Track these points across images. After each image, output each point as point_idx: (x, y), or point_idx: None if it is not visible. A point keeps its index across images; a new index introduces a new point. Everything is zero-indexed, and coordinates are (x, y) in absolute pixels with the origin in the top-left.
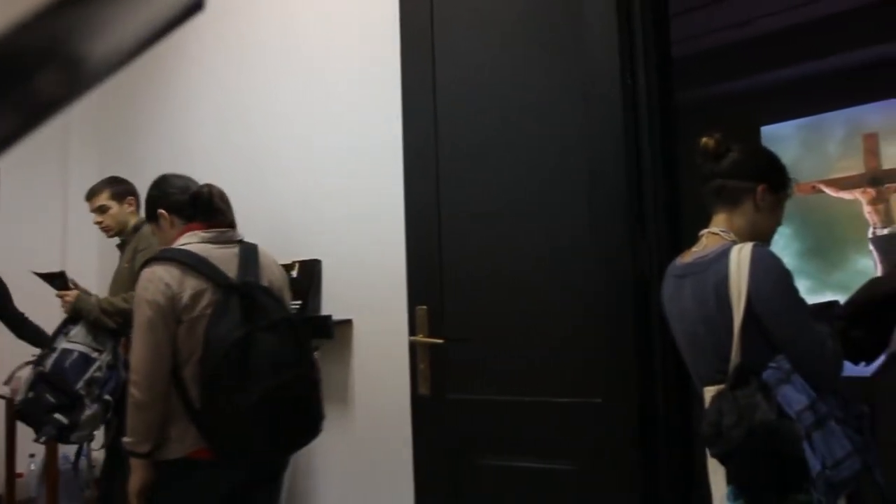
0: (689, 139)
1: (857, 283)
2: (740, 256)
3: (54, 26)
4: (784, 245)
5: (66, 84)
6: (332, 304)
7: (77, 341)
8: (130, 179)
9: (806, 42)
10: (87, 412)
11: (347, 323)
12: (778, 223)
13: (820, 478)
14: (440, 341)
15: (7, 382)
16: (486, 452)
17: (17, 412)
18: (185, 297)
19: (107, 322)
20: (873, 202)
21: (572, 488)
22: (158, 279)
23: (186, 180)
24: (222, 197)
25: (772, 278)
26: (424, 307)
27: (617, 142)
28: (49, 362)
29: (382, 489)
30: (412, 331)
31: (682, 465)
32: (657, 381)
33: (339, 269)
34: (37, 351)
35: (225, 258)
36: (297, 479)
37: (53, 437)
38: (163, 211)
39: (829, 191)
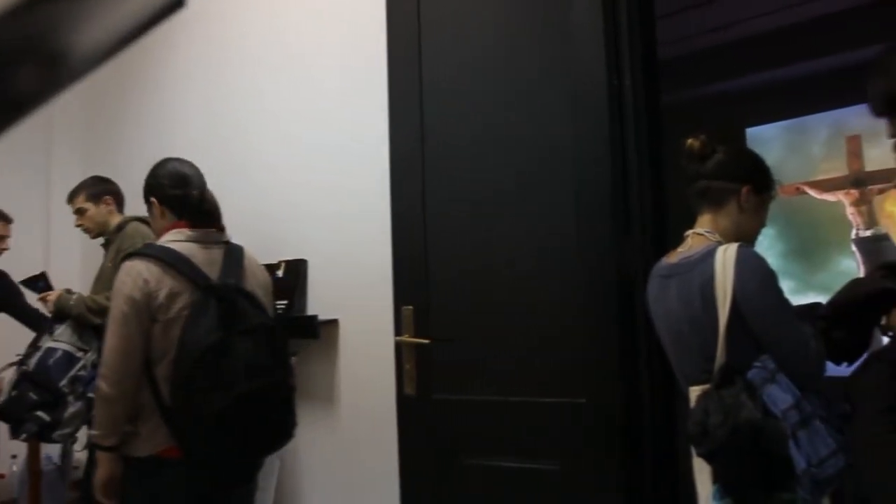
0: (675, 140)
1: (840, 284)
2: (725, 257)
3: (34, 21)
4: (768, 246)
5: (47, 79)
6: (318, 304)
7: (62, 340)
8: (115, 178)
9: (790, 45)
10: (71, 409)
11: (333, 323)
12: (762, 224)
13: (805, 476)
14: (426, 341)
15: None
16: (472, 452)
17: (0, 412)
18: (162, 295)
19: (91, 319)
20: (856, 204)
21: (558, 488)
22: (137, 274)
23: (186, 170)
24: (213, 203)
25: (757, 279)
26: (410, 307)
27: (603, 142)
28: (33, 361)
29: (368, 489)
30: (398, 331)
31: (667, 464)
32: (642, 380)
33: (325, 268)
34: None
35: (208, 259)
36: (282, 480)
37: (35, 434)
38: (154, 200)
39: (812, 192)
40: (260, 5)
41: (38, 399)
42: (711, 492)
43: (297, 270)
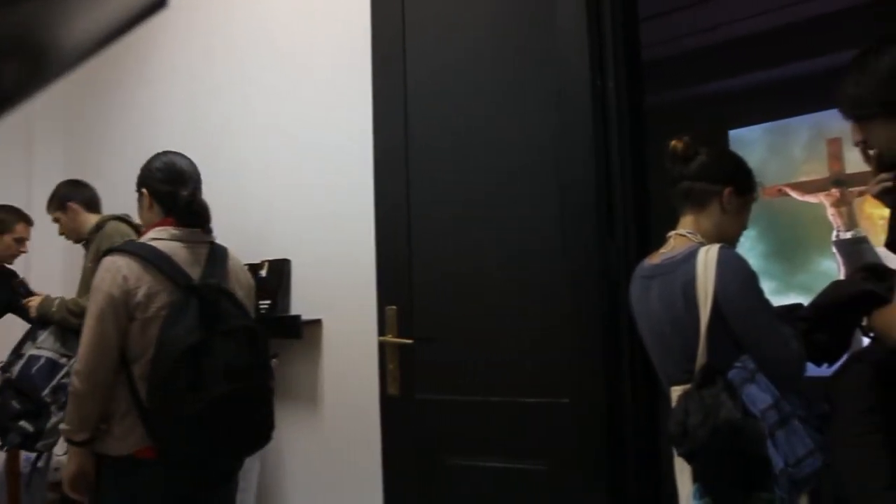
0: (659, 141)
1: (821, 285)
2: (707, 258)
3: (16, 17)
4: (749, 247)
5: (29, 75)
6: (302, 304)
7: (45, 347)
8: (97, 176)
9: (772, 47)
10: (53, 419)
11: (317, 323)
12: (744, 226)
13: (783, 475)
14: (409, 341)
15: None
16: (455, 452)
17: None
18: (140, 293)
19: (74, 323)
20: (837, 205)
21: (541, 488)
22: (116, 270)
23: (182, 166)
24: (202, 206)
25: (738, 280)
26: (394, 307)
27: (587, 144)
28: (16, 369)
29: (351, 489)
30: (381, 331)
31: (649, 464)
32: (625, 380)
33: (308, 268)
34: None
35: (191, 258)
36: (265, 479)
37: (18, 444)
38: (145, 191)
39: (794, 194)
40: (245, 4)
41: (21, 408)
42: (692, 491)
43: (280, 270)
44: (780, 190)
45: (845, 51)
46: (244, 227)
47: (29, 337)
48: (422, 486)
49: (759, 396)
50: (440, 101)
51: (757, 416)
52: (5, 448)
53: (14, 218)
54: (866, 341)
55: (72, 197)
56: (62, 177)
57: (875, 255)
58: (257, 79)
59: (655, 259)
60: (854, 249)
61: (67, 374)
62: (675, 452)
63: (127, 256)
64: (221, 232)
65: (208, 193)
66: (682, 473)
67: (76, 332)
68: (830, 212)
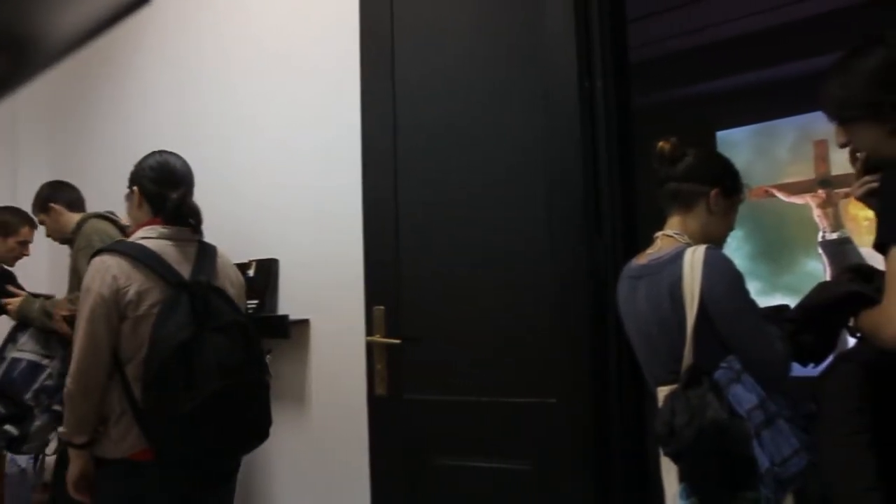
0: (647, 142)
1: (807, 286)
2: (694, 259)
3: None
4: (736, 248)
5: (12, 68)
6: (289, 304)
7: (26, 350)
8: (82, 174)
9: (759, 49)
10: (37, 423)
11: (304, 323)
12: (731, 227)
13: (768, 475)
14: (397, 341)
15: None
16: (443, 452)
17: None
18: (131, 292)
19: (51, 326)
20: (823, 206)
21: (528, 487)
22: (106, 270)
23: (174, 167)
24: (192, 209)
25: (725, 280)
26: (382, 307)
27: (575, 144)
28: None
29: (339, 489)
30: (369, 331)
31: (636, 464)
32: (611, 380)
33: (296, 268)
34: None
35: (181, 257)
36: (252, 480)
37: (3, 448)
38: (135, 189)
39: (780, 195)
40: (230, 4)
41: (5, 412)
42: (678, 491)
43: (268, 270)
44: (766, 191)
45: (832, 53)
46: (232, 227)
47: (9, 339)
48: (410, 487)
49: (744, 396)
50: (429, 102)
51: (743, 416)
52: None
53: (19, 221)
54: (853, 342)
55: (54, 198)
56: (48, 176)
57: (860, 255)
58: (244, 79)
59: (642, 259)
60: (840, 250)
61: (50, 376)
62: (661, 452)
63: (117, 256)
64: (209, 231)
65: (196, 193)
66: (669, 473)
67: (58, 335)
68: (816, 213)
